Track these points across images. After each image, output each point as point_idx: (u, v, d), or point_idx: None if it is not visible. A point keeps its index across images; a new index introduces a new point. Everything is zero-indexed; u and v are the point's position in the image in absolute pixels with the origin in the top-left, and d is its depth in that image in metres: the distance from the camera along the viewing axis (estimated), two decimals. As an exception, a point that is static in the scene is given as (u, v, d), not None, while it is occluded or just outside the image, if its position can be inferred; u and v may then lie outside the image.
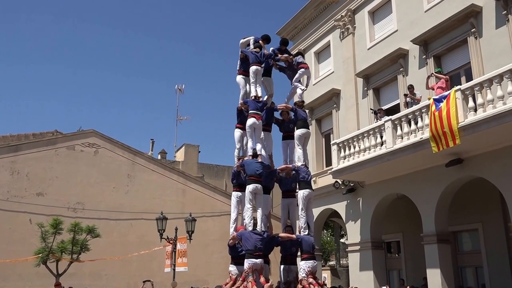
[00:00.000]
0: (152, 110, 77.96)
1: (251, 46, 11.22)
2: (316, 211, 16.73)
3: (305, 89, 11.99)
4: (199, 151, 30.98)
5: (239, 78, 11.22)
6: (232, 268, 9.70)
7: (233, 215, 10.26)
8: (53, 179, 21.25)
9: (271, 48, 11.50)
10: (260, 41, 11.24)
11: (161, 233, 16.90)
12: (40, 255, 15.94)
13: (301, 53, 12.58)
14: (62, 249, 16.23)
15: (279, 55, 11.37)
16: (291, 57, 11.53)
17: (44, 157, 21.29)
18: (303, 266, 9.39)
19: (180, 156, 30.66)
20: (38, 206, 20.20)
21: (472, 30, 13.02)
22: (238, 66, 11.46)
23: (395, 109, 15.02)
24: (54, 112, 73.92)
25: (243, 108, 10.71)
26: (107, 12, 77.74)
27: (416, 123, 12.48)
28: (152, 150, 30.65)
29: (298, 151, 10.53)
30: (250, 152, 10.09)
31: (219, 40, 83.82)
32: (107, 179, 22.34)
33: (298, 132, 10.62)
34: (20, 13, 69.25)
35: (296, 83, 11.40)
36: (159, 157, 29.81)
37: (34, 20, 71.28)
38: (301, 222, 9.92)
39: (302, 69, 11.51)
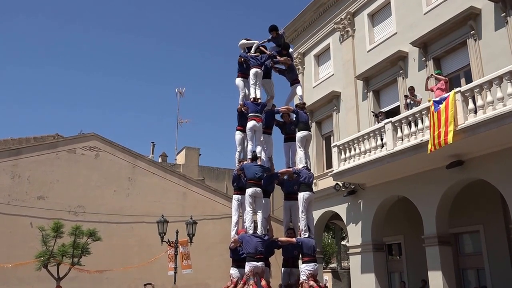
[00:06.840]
0: (153, 113, 78.17)
1: (252, 51, 11.19)
2: (317, 214, 16.75)
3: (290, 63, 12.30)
4: (200, 154, 30.98)
5: (238, 81, 11.19)
6: (233, 271, 9.68)
7: (234, 218, 10.24)
8: (54, 182, 21.25)
9: (271, 52, 11.44)
10: (261, 47, 11.22)
11: (162, 236, 16.92)
12: (41, 258, 15.88)
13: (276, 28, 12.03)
14: (63, 253, 16.16)
15: (278, 57, 11.31)
16: (289, 59, 11.44)
17: (45, 161, 21.30)
18: (303, 269, 9.36)
19: (180, 159, 30.65)
20: (39, 209, 20.20)
21: (471, 32, 13.05)
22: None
23: (395, 111, 15.04)
24: (55, 115, 74.10)
25: (243, 109, 10.68)
26: (108, 15, 77.97)
27: (416, 125, 12.49)
28: (152, 153, 30.67)
29: (300, 153, 10.54)
30: (249, 155, 10.09)
31: (220, 43, 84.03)
32: (108, 182, 22.33)
33: (299, 134, 10.61)
34: (21, 14, 69.46)
35: (295, 84, 11.39)
36: (159, 160, 29.78)
37: (35, 22, 71.51)
38: (301, 225, 9.90)
39: (291, 45, 12.25)
